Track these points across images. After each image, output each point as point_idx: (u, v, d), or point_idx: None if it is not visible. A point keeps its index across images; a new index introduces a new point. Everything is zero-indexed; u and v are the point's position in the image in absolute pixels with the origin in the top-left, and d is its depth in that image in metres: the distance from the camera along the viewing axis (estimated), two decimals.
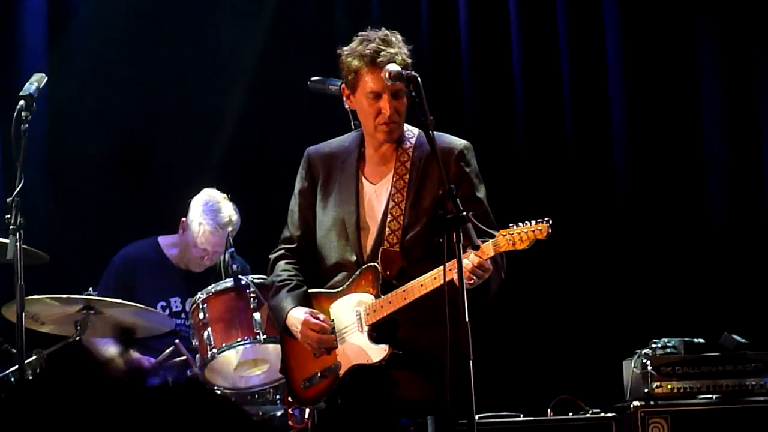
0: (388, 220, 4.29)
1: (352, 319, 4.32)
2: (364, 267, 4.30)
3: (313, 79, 5.08)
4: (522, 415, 5.87)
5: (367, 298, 4.28)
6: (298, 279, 4.41)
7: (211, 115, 6.99)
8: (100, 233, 6.70)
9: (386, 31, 4.29)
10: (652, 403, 5.77)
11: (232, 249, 5.56)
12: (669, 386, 5.81)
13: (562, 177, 6.98)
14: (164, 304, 6.04)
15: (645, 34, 7.02)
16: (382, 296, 4.24)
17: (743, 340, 5.92)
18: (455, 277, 3.93)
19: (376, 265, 4.27)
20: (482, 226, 4.15)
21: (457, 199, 3.92)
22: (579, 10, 7.04)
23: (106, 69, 6.89)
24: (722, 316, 6.62)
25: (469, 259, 4.01)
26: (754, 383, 5.82)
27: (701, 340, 5.95)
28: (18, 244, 4.81)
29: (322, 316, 4.33)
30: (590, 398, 5.97)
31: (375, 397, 4.31)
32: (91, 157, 6.83)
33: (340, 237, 4.34)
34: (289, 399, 4.85)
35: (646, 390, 5.78)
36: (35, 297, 5.28)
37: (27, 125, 4.87)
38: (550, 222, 4.05)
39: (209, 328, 5.43)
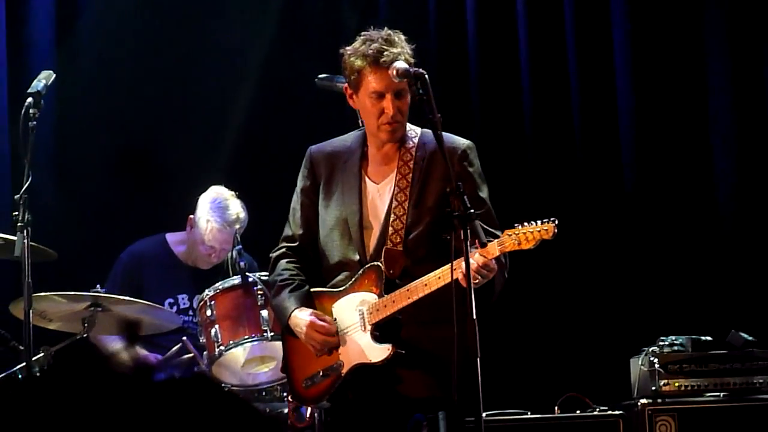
0: (391, 219, 4.28)
1: (354, 318, 4.31)
2: (367, 266, 4.29)
3: (320, 76, 5.07)
4: (529, 413, 5.86)
5: (371, 298, 4.27)
6: (300, 278, 4.40)
7: (218, 114, 6.99)
8: (107, 230, 6.71)
9: (389, 31, 4.28)
10: (659, 400, 5.76)
11: (240, 246, 5.56)
12: (676, 384, 5.79)
13: (569, 176, 6.98)
14: (172, 301, 6.04)
15: (652, 32, 7.01)
16: (386, 295, 4.23)
17: (751, 338, 5.91)
18: (461, 276, 3.92)
19: (380, 264, 4.26)
20: (485, 226, 4.14)
21: (464, 197, 3.92)
22: (586, 9, 7.03)
23: (113, 67, 6.90)
24: (730, 313, 6.62)
25: (474, 259, 4.00)
26: (761, 381, 5.81)
27: (709, 338, 5.94)
28: (26, 241, 4.82)
29: (327, 318, 4.32)
30: (597, 396, 5.96)
31: (379, 394, 4.29)
32: (99, 154, 6.84)
33: (343, 236, 4.33)
34: (290, 398, 4.85)
35: (653, 388, 5.77)
36: (43, 294, 5.28)
37: (35, 122, 4.87)
38: (556, 222, 4.05)
39: (217, 326, 5.43)
